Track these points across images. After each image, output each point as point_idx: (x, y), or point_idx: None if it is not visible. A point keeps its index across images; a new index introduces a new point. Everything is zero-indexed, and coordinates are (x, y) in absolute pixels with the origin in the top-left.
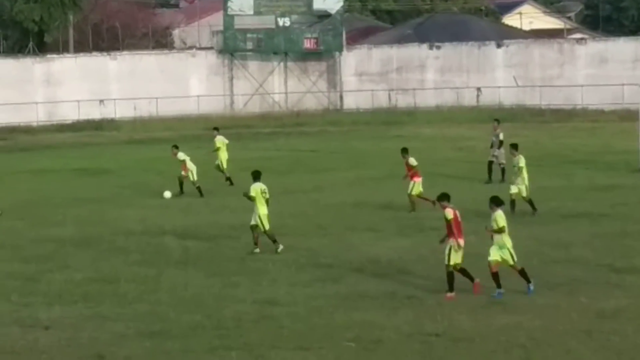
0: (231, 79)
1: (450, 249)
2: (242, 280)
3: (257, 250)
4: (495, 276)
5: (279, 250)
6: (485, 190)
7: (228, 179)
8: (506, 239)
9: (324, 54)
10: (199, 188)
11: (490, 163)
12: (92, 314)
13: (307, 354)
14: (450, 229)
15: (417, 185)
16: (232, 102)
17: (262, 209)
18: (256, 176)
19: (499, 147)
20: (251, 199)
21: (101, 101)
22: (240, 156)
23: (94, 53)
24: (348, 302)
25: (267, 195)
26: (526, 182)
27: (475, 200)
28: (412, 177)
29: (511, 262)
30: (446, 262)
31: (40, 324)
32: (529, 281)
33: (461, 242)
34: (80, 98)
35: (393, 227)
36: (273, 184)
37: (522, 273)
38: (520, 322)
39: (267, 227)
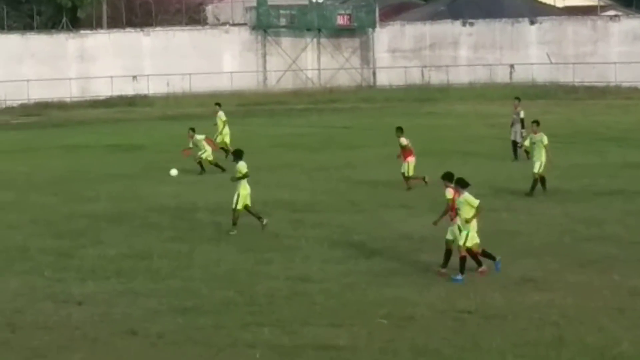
0: (264, 55)
1: (458, 229)
2: (275, 257)
3: (265, 220)
4: (483, 254)
5: (232, 233)
6: (516, 168)
7: (207, 164)
8: (473, 223)
9: (357, 30)
10: (200, 163)
11: (515, 142)
12: (125, 290)
13: (339, 330)
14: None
15: (410, 166)
16: (265, 79)
17: (246, 189)
18: (239, 155)
19: (522, 127)
20: (247, 175)
21: (134, 77)
22: (273, 132)
23: (127, 29)
24: (380, 279)
25: None
26: (543, 159)
27: (509, 178)
28: (405, 157)
29: (460, 243)
30: (460, 243)
31: (74, 300)
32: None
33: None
34: (113, 74)
35: (425, 203)
36: (306, 161)
37: (463, 259)
38: (552, 299)
39: (239, 206)
